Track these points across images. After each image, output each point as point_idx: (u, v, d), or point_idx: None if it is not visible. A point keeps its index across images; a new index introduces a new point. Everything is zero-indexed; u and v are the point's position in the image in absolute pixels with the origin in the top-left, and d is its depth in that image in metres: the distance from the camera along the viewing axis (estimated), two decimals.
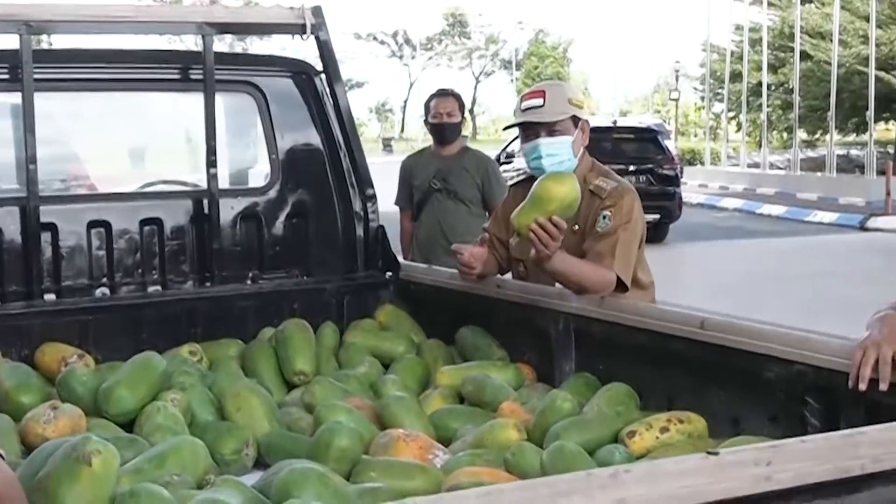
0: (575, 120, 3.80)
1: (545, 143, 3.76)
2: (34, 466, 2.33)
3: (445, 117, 6.28)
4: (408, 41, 75.97)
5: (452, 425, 3.27)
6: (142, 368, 3.29)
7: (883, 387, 2.48)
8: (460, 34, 76.86)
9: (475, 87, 79.09)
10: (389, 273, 4.60)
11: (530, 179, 3.87)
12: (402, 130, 76.70)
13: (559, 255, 3.50)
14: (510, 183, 4.24)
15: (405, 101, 79.22)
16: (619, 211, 3.71)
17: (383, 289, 4.56)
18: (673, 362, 3.21)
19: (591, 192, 3.76)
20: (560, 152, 3.77)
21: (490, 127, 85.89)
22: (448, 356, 3.97)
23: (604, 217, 3.70)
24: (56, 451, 2.32)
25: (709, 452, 1.85)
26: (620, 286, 3.65)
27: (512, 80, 77.05)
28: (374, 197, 4.66)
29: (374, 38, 75.45)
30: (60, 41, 4.86)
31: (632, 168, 19.15)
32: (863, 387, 2.51)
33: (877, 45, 30.05)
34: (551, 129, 3.75)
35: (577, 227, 3.76)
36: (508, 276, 4.10)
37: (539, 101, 3.79)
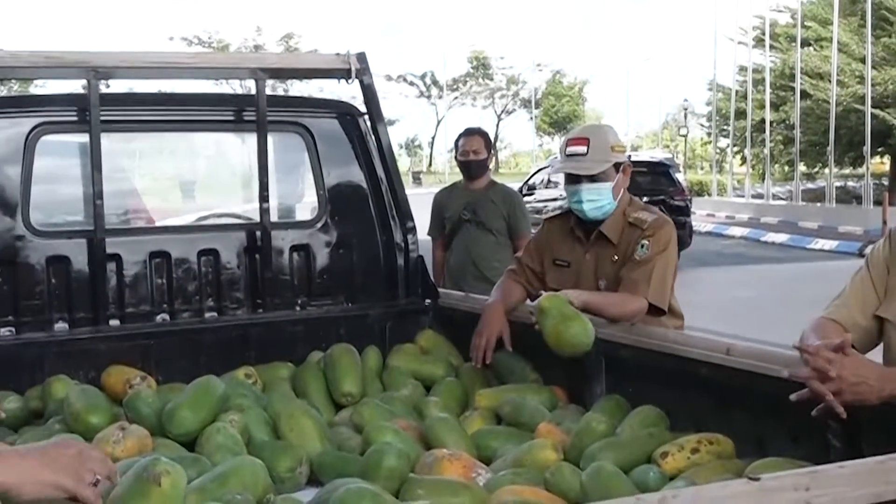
0: (616, 165, 3.76)
1: (586, 189, 3.74)
2: (106, 486, 2.30)
3: (472, 155, 6.31)
4: (435, 82, 76.21)
5: (493, 445, 3.22)
6: (202, 391, 3.25)
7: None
8: (483, 76, 77.03)
9: (497, 125, 79.14)
10: (429, 300, 4.57)
11: (566, 214, 3.91)
12: (430, 164, 76.89)
13: (582, 297, 3.49)
14: (545, 217, 4.20)
15: (433, 138, 79.58)
16: (657, 241, 3.69)
17: (423, 315, 4.53)
18: (699, 386, 3.16)
19: (631, 224, 3.74)
20: (600, 198, 3.75)
21: (511, 161, 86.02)
22: (485, 379, 3.92)
23: (642, 246, 3.67)
24: (127, 471, 2.28)
25: (750, 478, 1.80)
26: (656, 311, 3.62)
27: (531, 118, 77.20)
28: (413, 229, 4.65)
29: (405, 80, 75.76)
30: (124, 85, 4.88)
31: (645, 199, 18.97)
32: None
33: (872, 85, 29.96)
34: (594, 176, 3.72)
35: (616, 257, 3.74)
36: None
37: (583, 149, 3.75)
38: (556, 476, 2.71)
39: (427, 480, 2.78)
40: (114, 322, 4.15)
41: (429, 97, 77.23)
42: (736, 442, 2.93)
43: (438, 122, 77.59)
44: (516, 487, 2.67)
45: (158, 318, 4.26)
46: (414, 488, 2.71)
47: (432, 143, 79.89)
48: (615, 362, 3.52)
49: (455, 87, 76.76)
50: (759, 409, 2.97)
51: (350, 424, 3.44)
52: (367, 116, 4.55)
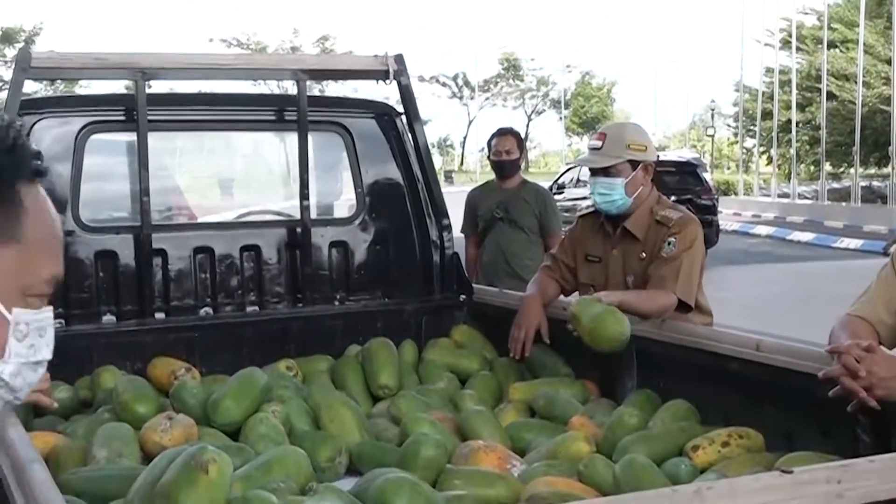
0: (633, 163, 3.75)
1: (599, 182, 3.78)
2: (155, 473, 2.32)
3: (505, 155, 6.31)
4: (467, 83, 76.08)
5: (526, 437, 3.22)
6: (246, 382, 3.28)
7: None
8: (514, 77, 76.79)
9: (527, 125, 78.91)
10: (463, 296, 4.57)
11: (596, 212, 3.93)
12: (462, 163, 76.80)
13: (612, 297, 3.50)
14: (579, 214, 4.19)
15: (464, 137, 79.42)
16: (683, 238, 3.68)
17: (458, 310, 4.53)
18: (729, 381, 3.15)
19: (658, 222, 3.74)
20: (612, 192, 3.76)
21: (541, 161, 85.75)
22: (518, 373, 3.92)
23: (669, 243, 3.67)
24: (175, 458, 2.31)
25: (783, 470, 1.80)
26: (683, 307, 3.62)
27: (560, 119, 76.90)
28: (449, 226, 4.65)
29: (437, 81, 75.65)
30: (167, 86, 4.91)
31: (673, 198, 18.89)
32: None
33: None
34: (606, 170, 3.74)
35: (644, 254, 3.74)
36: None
37: (599, 144, 3.80)
38: (589, 468, 2.71)
39: (463, 471, 2.79)
40: (159, 315, 4.19)
41: (461, 98, 77.10)
42: (765, 436, 2.91)
43: (470, 123, 77.47)
44: (550, 479, 2.67)
45: (202, 311, 4.30)
46: (451, 478, 2.72)
47: (464, 143, 79.80)
48: (646, 357, 3.52)
49: (486, 87, 76.59)
50: (788, 404, 2.96)
51: (387, 416, 3.45)
52: (404, 116, 4.56)
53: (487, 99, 77.06)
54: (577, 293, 4.02)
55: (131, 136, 4.19)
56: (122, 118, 4.23)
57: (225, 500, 2.23)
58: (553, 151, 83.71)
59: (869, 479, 1.85)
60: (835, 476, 1.82)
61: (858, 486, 1.82)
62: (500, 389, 3.79)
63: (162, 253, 4.21)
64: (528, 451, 3.10)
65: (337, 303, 4.50)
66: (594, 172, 3.80)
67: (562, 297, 4.04)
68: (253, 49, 56.17)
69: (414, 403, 3.42)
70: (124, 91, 4.21)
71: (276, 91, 27.15)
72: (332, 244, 4.53)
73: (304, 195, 4.34)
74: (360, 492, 2.53)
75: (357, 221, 4.60)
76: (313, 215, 4.47)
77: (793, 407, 2.93)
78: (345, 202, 4.81)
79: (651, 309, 3.56)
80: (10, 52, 46.97)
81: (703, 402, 3.21)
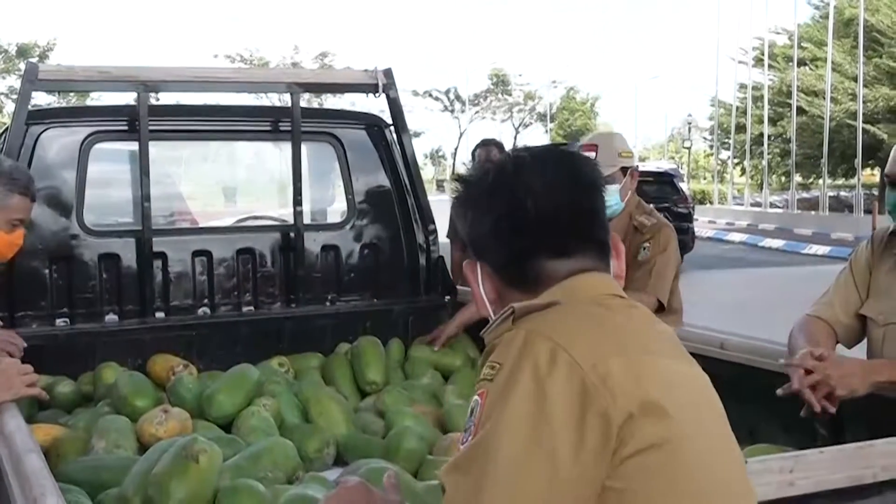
0: (623, 169, 3.77)
1: None
2: (149, 462, 2.33)
3: (488, 164, 6.28)
4: (458, 97, 75.98)
5: None
6: (239, 378, 3.28)
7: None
8: (503, 91, 76.67)
9: (515, 137, 78.62)
10: (448, 297, 4.57)
11: None
12: (453, 173, 76.68)
13: None
14: None
15: (455, 149, 79.15)
16: (656, 243, 3.69)
17: (442, 310, 4.52)
18: None
19: (635, 228, 3.75)
20: (609, 199, 3.69)
21: None
22: None
23: (643, 248, 3.68)
24: (168, 449, 2.30)
25: None
26: (660, 307, 3.63)
27: (547, 131, 76.87)
28: (435, 231, 4.65)
29: (430, 95, 75.50)
30: (170, 98, 4.89)
31: (652, 206, 19.02)
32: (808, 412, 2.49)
33: (864, 102, 29.77)
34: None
35: None
36: None
37: (591, 155, 3.71)
38: None
39: (444, 462, 2.78)
40: (159, 314, 4.17)
41: (452, 111, 76.95)
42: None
43: (461, 135, 77.26)
44: None
45: (200, 311, 4.28)
46: (431, 469, 2.72)
47: (455, 154, 79.50)
48: None
49: (476, 101, 76.46)
50: (750, 400, 2.95)
51: (373, 410, 3.45)
52: (392, 127, 4.56)
53: (477, 112, 76.96)
54: None
55: (133, 145, 4.18)
56: (125, 128, 4.22)
57: (213, 488, 2.23)
58: None
59: (819, 469, 1.85)
60: (787, 466, 1.82)
61: (809, 476, 1.83)
62: None
63: (162, 255, 4.21)
64: None
65: (328, 303, 4.49)
66: None
67: None
68: (256, 65, 56.11)
69: (398, 398, 3.42)
70: (126, 102, 4.18)
71: (278, 104, 27.09)
72: (324, 248, 4.52)
73: (297, 201, 4.33)
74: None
75: (348, 226, 4.59)
76: (306, 221, 4.46)
77: (755, 403, 2.93)
78: (336, 208, 4.80)
79: None
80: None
81: None
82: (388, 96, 4.42)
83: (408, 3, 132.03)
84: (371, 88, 4.41)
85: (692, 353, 3.07)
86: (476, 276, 1.57)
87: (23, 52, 46.38)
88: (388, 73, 4.41)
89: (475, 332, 4.24)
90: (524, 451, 1.29)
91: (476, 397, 1.40)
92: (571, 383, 1.32)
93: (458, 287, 4.67)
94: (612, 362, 1.34)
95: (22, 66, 46.59)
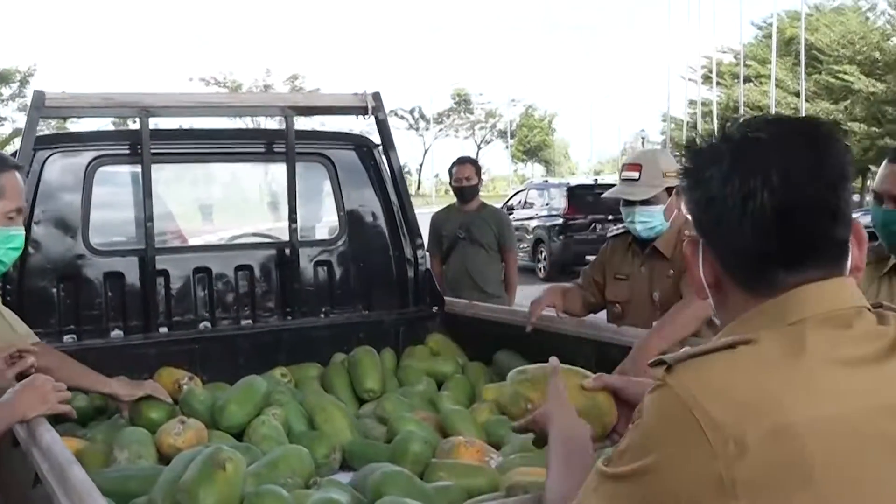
0: (669, 189, 3.56)
1: (639, 212, 3.57)
2: (175, 471, 2.32)
3: (465, 181, 6.35)
4: (422, 116, 76.09)
5: (500, 432, 3.22)
6: (248, 388, 3.28)
7: None
8: (465, 110, 76.87)
9: (476, 153, 78.74)
10: (436, 307, 4.59)
11: (626, 233, 3.76)
12: (419, 188, 76.62)
13: (652, 338, 3.22)
14: (609, 235, 3.99)
15: (421, 165, 79.22)
16: None
17: (431, 320, 4.55)
18: None
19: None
20: (651, 220, 3.59)
21: (490, 185, 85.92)
22: (488, 375, 3.94)
23: None
24: (193, 458, 2.31)
25: None
26: None
27: (507, 147, 77.25)
28: (422, 245, 4.68)
29: (396, 114, 75.44)
30: (171, 122, 4.89)
31: (610, 217, 19.15)
32: None
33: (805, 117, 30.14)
34: (645, 200, 3.55)
35: (671, 271, 3.56)
36: None
37: (635, 175, 3.60)
38: None
39: (447, 464, 2.81)
40: (163, 329, 4.17)
41: (417, 129, 77.03)
42: None
43: (426, 152, 77.42)
44: (526, 469, 2.69)
45: (201, 325, 4.28)
46: (436, 471, 2.73)
47: (420, 170, 79.52)
48: (603, 358, 3.53)
49: (440, 120, 76.62)
50: None
51: (374, 416, 3.46)
52: (381, 147, 4.58)
53: (441, 130, 77.12)
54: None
55: (135, 168, 4.18)
56: (127, 151, 4.21)
57: (239, 494, 2.23)
58: (501, 176, 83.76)
59: None
60: None
61: None
62: (473, 390, 3.81)
63: (164, 273, 4.20)
64: (503, 445, 3.12)
65: (322, 315, 4.49)
66: (632, 203, 3.56)
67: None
68: (229, 87, 55.86)
69: (398, 404, 3.44)
70: (129, 127, 4.18)
71: (258, 126, 26.99)
72: (318, 263, 4.53)
73: (292, 219, 4.35)
74: (358, 484, 2.54)
75: (339, 242, 4.61)
76: (301, 237, 4.48)
77: None
78: (328, 225, 4.81)
79: (696, 321, 3.25)
80: (7, 91, 46.33)
81: None
82: (376, 118, 4.45)
83: (374, 28, 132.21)
84: (361, 111, 4.43)
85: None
86: (697, 256, 1.39)
87: (4, 77, 45.86)
88: (376, 97, 4.44)
89: (464, 340, 4.27)
90: None
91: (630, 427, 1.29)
92: (695, 458, 1.18)
93: (447, 298, 4.69)
94: (754, 439, 1.16)
95: (4, 90, 46.21)
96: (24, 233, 2.45)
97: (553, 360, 1.89)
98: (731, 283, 1.36)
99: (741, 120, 1.38)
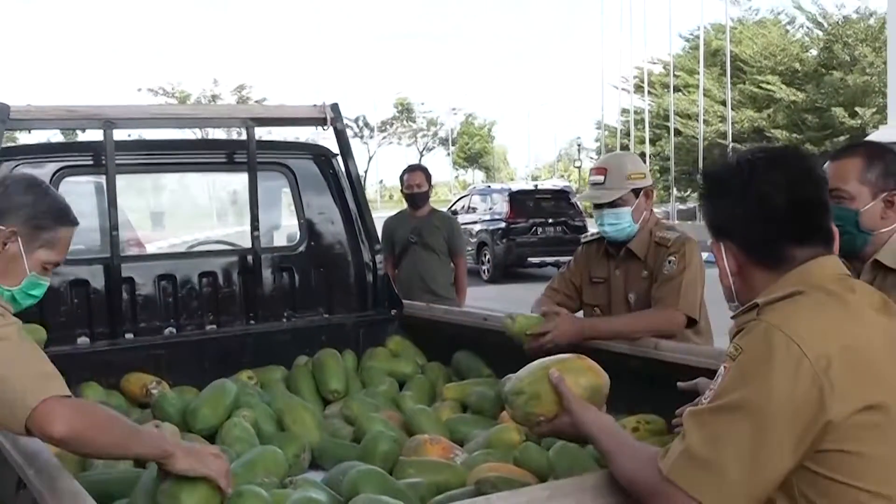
0: (636, 190, 3.55)
1: (607, 214, 3.54)
2: (154, 474, 2.29)
3: (416, 188, 6.37)
4: (367, 124, 75.80)
5: (463, 430, 3.26)
6: (219, 392, 3.26)
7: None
8: (407, 118, 76.75)
9: (419, 160, 78.89)
10: (394, 310, 4.60)
11: (600, 238, 3.71)
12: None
13: (609, 323, 3.41)
14: (584, 240, 3.90)
15: (365, 171, 78.83)
16: (682, 257, 3.46)
17: (390, 323, 4.55)
18: (633, 375, 3.22)
19: (657, 243, 3.53)
20: (620, 221, 3.54)
21: (432, 191, 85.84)
22: (447, 375, 3.97)
23: (669, 262, 3.45)
24: None
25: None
26: (690, 321, 3.41)
27: (448, 154, 77.33)
28: (380, 251, 4.68)
29: None
30: (134, 134, 4.81)
31: (550, 220, 19.33)
32: None
33: (732, 124, 30.71)
34: (612, 202, 3.53)
35: (645, 272, 3.54)
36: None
37: (601, 178, 3.56)
38: (523, 454, 2.73)
39: (415, 461, 2.82)
40: (129, 335, 4.11)
41: (361, 137, 76.69)
42: (667, 421, 3.00)
43: (370, 159, 77.04)
44: (491, 465, 2.70)
45: (167, 331, 4.23)
46: (405, 468, 2.74)
47: (365, 176, 79.33)
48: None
49: (384, 128, 76.37)
50: (680, 394, 3.05)
51: (340, 416, 3.46)
52: (339, 157, 4.58)
53: (385, 138, 76.88)
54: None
55: (99, 178, 4.12)
56: (91, 162, 4.15)
57: (220, 496, 2.21)
58: (442, 182, 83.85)
59: None
60: None
61: None
62: (433, 390, 3.83)
63: (130, 280, 4.14)
64: (467, 442, 3.14)
65: (285, 319, 4.47)
66: (601, 205, 3.54)
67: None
68: (178, 98, 55.09)
69: (364, 405, 3.44)
70: (93, 139, 4.11)
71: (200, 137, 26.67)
72: (280, 269, 4.51)
73: (254, 227, 4.31)
74: (333, 483, 2.54)
75: (300, 248, 4.59)
76: (263, 244, 4.45)
77: (686, 397, 3.03)
78: (289, 232, 4.79)
79: (660, 325, 3.34)
80: None
81: (610, 394, 3.27)
82: (335, 128, 4.44)
83: (320, 38, 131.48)
84: (320, 122, 4.42)
85: (627, 354, 3.16)
86: (721, 253, 1.82)
87: None
88: (334, 108, 4.43)
89: (422, 341, 4.29)
90: (751, 438, 1.55)
91: (722, 367, 1.64)
92: (799, 373, 1.54)
93: (405, 301, 4.70)
94: (833, 354, 1.56)
95: None
96: (48, 285, 2.23)
97: (553, 372, 2.13)
98: (753, 266, 1.77)
99: (744, 149, 1.84)
